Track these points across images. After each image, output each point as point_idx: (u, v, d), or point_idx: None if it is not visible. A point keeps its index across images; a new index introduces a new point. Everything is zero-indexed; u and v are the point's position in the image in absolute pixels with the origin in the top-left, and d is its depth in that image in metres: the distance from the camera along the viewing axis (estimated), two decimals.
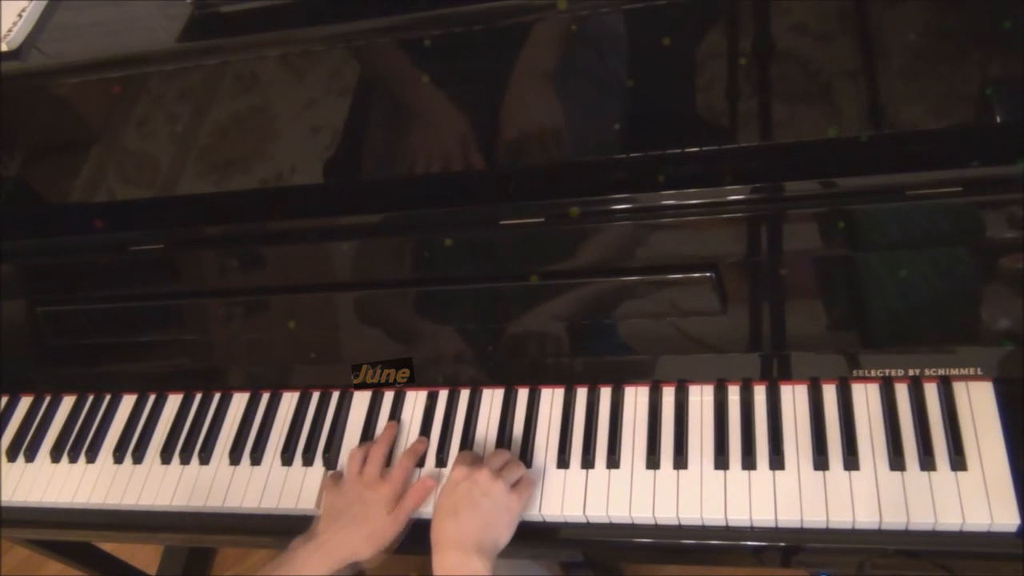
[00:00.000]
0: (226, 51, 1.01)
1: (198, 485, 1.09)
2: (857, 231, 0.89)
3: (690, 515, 0.92)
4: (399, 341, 1.07)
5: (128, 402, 1.19)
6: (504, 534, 0.92)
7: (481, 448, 1.03)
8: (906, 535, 0.87)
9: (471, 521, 0.90)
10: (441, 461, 1.03)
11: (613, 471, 0.97)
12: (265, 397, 1.14)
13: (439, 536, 0.90)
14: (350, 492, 1.00)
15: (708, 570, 1.15)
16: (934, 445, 0.89)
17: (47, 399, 1.23)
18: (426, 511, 0.99)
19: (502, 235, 0.98)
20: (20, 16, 1.13)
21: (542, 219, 0.96)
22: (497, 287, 1.01)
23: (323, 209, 1.04)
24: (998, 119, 0.84)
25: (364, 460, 1.03)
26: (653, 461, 0.96)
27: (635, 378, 1.02)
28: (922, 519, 0.85)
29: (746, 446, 0.94)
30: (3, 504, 1.14)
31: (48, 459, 1.17)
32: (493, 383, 1.07)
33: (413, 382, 1.07)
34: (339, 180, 1.04)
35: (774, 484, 0.91)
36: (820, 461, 0.91)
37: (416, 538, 1.00)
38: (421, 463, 1.04)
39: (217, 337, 1.13)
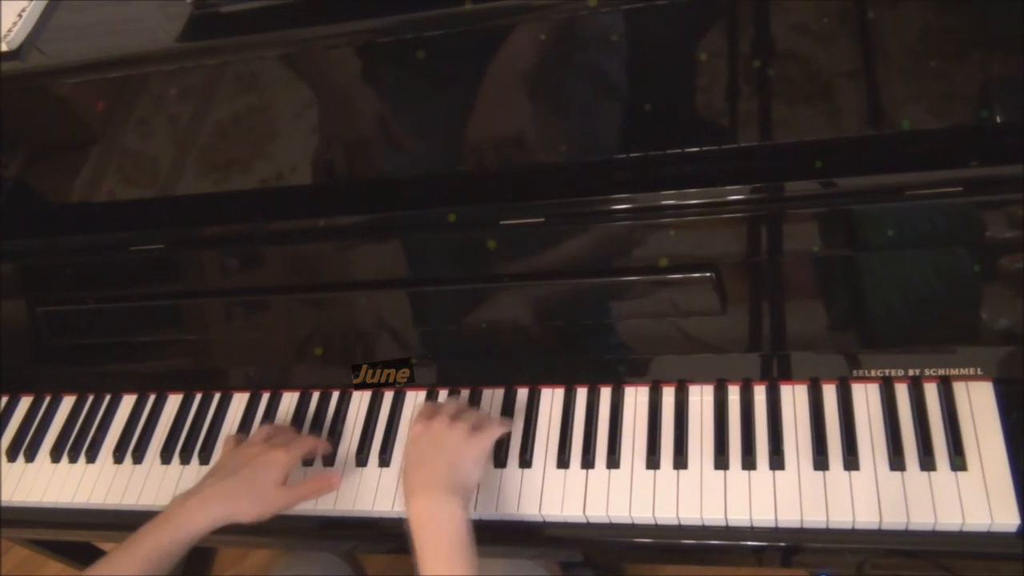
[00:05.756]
0: (226, 51, 1.01)
1: None
2: (857, 231, 0.89)
3: (690, 515, 0.92)
4: (399, 340, 1.07)
5: (128, 402, 1.19)
6: (473, 472, 0.93)
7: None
8: (906, 535, 0.87)
9: (436, 466, 0.92)
10: None
11: (613, 471, 0.97)
12: (265, 397, 1.14)
13: (410, 486, 0.92)
14: (247, 451, 0.99)
15: (708, 570, 1.15)
16: (934, 445, 0.89)
17: (47, 399, 1.22)
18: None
19: (502, 235, 0.98)
20: (20, 16, 1.13)
21: (542, 219, 0.96)
22: (497, 287, 1.01)
23: (323, 209, 1.04)
24: (998, 119, 0.84)
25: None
26: (653, 461, 0.96)
27: (635, 378, 1.02)
28: (922, 519, 0.85)
29: (746, 446, 0.94)
30: (3, 504, 1.14)
31: (48, 459, 1.17)
32: (493, 383, 1.06)
33: (413, 382, 1.07)
34: (339, 180, 1.04)
35: (774, 484, 0.91)
36: (820, 461, 0.91)
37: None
38: None
39: (217, 337, 1.13)
